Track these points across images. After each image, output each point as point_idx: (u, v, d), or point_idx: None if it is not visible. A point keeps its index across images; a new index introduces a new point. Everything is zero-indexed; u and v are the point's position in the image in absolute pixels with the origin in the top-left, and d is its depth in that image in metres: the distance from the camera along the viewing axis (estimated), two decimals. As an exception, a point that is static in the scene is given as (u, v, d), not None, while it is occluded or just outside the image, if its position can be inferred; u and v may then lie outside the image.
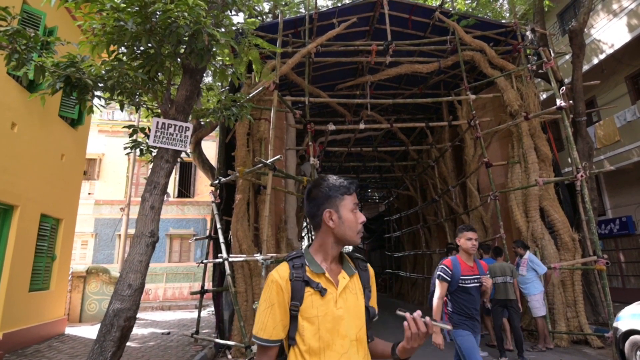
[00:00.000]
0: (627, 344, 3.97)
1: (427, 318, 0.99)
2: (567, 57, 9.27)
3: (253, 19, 3.48)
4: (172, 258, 13.89)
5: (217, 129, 7.94)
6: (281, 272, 1.10)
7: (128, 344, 5.85)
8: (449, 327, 1.05)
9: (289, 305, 1.07)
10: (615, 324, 4.24)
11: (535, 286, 5.45)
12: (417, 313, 0.99)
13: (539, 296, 5.45)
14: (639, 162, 8.85)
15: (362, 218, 1.14)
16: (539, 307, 5.43)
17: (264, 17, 9.56)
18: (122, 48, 3.26)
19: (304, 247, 1.23)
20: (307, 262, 1.12)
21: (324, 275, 1.10)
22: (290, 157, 7.70)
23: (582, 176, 5.68)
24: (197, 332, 6.06)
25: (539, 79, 8.87)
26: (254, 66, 3.94)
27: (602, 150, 9.70)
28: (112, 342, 3.12)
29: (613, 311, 4.99)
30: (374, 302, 1.20)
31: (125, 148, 4.05)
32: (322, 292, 1.07)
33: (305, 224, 12.08)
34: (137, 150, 4.01)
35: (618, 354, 4.13)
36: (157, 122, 3.38)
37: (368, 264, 1.23)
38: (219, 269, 6.22)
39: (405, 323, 0.99)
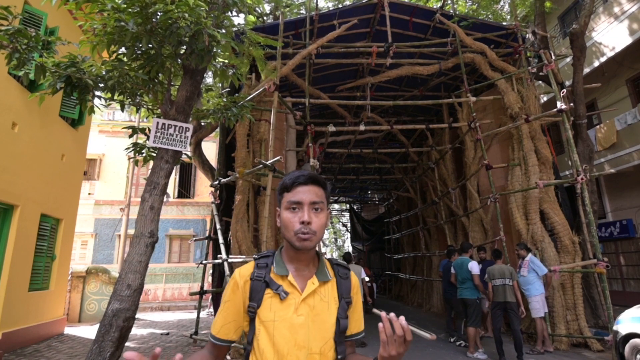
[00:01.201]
0: (627, 347, 3.96)
1: (403, 320, 0.84)
2: (568, 59, 9.28)
3: (252, 17, 3.49)
4: (172, 259, 13.88)
5: (218, 130, 7.95)
6: (243, 271, 1.04)
7: (127, 344, 5.85)
8: (430, 336, 0.87)
9: (247, 306, 1.00)
10: (615, 327, 4.23)
11: (537, 287, 5.46)
12: (393, 315, 0.86)
13: (540, 297, 5.45)
14: (640, 165, 8.84)
15: (304, 217, 0.98)
16: (538, 308, 5.44)
17: (265, 18, 9.58)
18: (123, 48, 3.27)
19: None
20: (274, 263, 1.04)
21: (287, 278, 1.00)
22: (290, 158, 7.71)
23: (582, 179, 5.67)
24: (196, 333, 6.05)
25: (540, 82, 8.88)
26: (257, 64, 3.96)
27: (602, 153, 9.69)
28: (111, 343, 3.12)
29: (613, 314, 4.98)
30: (355, 317, 1.07)
31: (128, 152, 4.05)
32: (281, 295, 0.97)
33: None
34: (139, 154, 4.01)
35: (618, 358, 4.11)
36: (157, 123, 3.38)
37: (351, 273, 1.11)
38: (218, 270, 6.22)
39: (379, 325, 0.85)
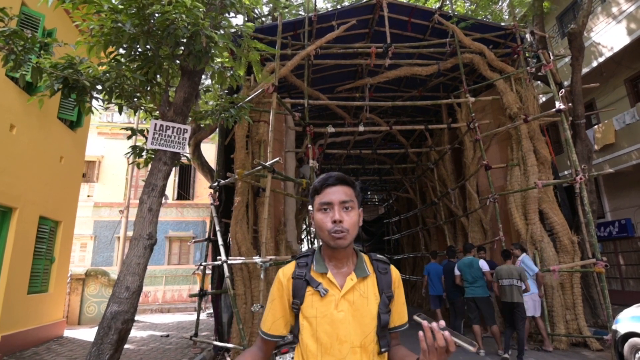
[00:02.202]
0: (626, 346, 3.95)
1: (447, 332, 0.82)
2: (567, 59, 9.30)
3: (251, 24, 3.49)
4: (172, 260, 13.86)
5: (217, 131, 7.95)
6: (285, 270, 1.10)
7: (126, 346, 5.84)
8: (472, 348, 0.83)
9: (291, 303, 1.06)
10: (614, 327, 4.23)
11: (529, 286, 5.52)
12: (435, 325, 0.84)
13: (531, 297, 5.51)
14: (638, 164, 8.85)
15: (335, 216, 1.02)
16: (528, 307, 5.51)
17: (263, 19, 9.59)
18: (120, 49, 3.27)
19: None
20: (313, 261, 1.09)
21: (326, 276, 1.05)
22: (289, 160, 7.70)
23: (581, 179, 5.68)
24: (196, 335, 6.04)
25: (538, 82, 8.89)
26: (254, 68, 3.96)
27: (601, 152, 9.70)
28: (110, 345, 3.11)
29: (612, 314, 4.98)
30: (398, 310, 1.10)
31: (128, 156, 4.04)
32: (321, 292, 1.02)
33: (304, 226, 12.06)
34: (139, 157, 4.00)
35: (617, 357, 4.11)
36: (155, 124, 3.38)
37: (391, 267, 1.13)
38: (218, 272, 6.20)
39: (420, 333, 0.84)
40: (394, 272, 1.13)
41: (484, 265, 5.55)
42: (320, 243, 1.13)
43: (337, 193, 1.05)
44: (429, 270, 7.18)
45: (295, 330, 1.05)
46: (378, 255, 1.14)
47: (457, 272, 5.82)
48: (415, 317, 0.92)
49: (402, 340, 1.15)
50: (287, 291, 1.07)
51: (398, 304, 1.10)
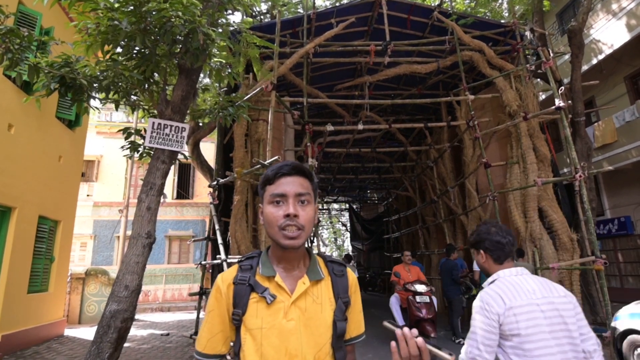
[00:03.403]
0: (624, 343, 3.96)
1: (421, 339, 0.75)
2: (566, 57, 9.27)
3: (249, 19, 3.48)
4: (172, 259, 13.87)
5: (216, 130, 7.94)
6: (225, 275, 0.95)
7: (127, 345, 5.85)
8: (449, 357, 0.75)
9: (231, 313, 0.90)
10: (613, 324, 4.23)
11: None
12: (408, 332, 0.75)
13: None
14: (638, 162, 8.84)
15: (289, 209, 0.88)
16: None
17: (262, 17, 9.56)
18: (117, 48, 3.25)
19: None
20: (259, 264, 0.94)
21: (274, 279, 0.91)
22: (288, 158, 7.69)
23: (580, 176, 5.67)
24: (196, 333, 6.05)
25: (538, 79, 8.87)
26: (253, 65, 3.94)
27: (600, 150, 9.70)
28: (109, 344, 3.11)
29: (611, 311, 4.98)
30: (355, 318, 0.97)
31: (124, 150, 4.04)
32: (267, 299, 0.87)
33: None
34: (135, 152, 4.00)
35: (616, 354, 4.12)
36: (153, 123, 3.37)
37: (347, 269, 1.00)
38: (217, 271, 6.20)
39: (392, 344, 0.75)
40: (351, 275, 1.00)
41: None
42: (270, 244, 0.99)
43: (292, 184, 0.92)
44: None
45: (235, 347, 0.89)
46: (333, 257, 1.03)
47: (477, 268, 5.80)
48: (385, 324, 0.83)
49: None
50: (226, 300, 0.90)
51: (355, 312, 0.98)
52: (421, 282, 5.56)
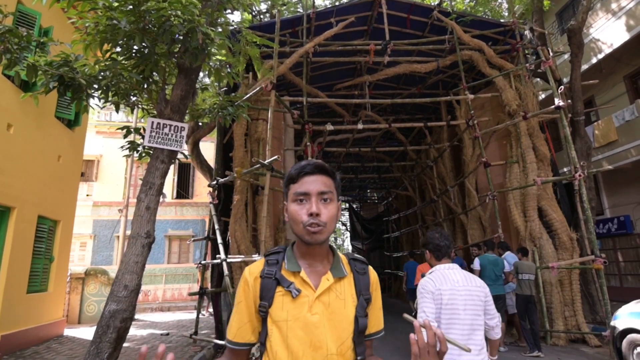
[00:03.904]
0: (624, 342, 3.96)
1: (439, 331, 0.77)
2: (566, 56, 9.27)
3: (248, 16, 3.47)
4: (171, 259, 13.86)
5: (215, 129, 7.94)
6: (252, 268, 0.99)
7: (126, 345, 5.84)
8: (466, 348, 0.80)
9: (258, 305, 0.94)
10: (612, 323, 4.23)
11: (509, 285, 5.67)
12: (428, 323, 0.78)
13: (511, 294, 5.70)
14: (637, 161, 8.85)
15: (312, 208, 0.91)
16: (512, 304, 5.66)
17: (262, 16, 9.55)
18: (116, 47, 3.25)
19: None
20: (285, 259, 0.98)
21: (299, 274, 0.94)
22: (288, 158, 7.69)
23: (580, 176, 5.67)
24: (195, 333, 6.05)
25: (538, 79, 8.87)
26: (254, 64, 3.94)
27: (600, 149, 9.70)
28: (109, 344, 3.11)
29: (610, 310, 4.99)
30: (375, 315, 1.01)
31: (123, 150, 4.03)
32: (293, 292, 0.91)
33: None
34: (135, 152, 4.00)
35: (615, 353, 4.12)
36: (152, 122, 3.36)
37: (369, 268, 1.05)
38: (217, 270, 6.20)
39: (411, 336, 0.77)
40: (372, 273, 1.04)
41: (507, 265, 5.63)
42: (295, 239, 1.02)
43: (315, 183, 0.95)
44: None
45: (262, 337, 0.94)
46: (356, 255, 1.07)
47: (477, 267, 5.66)
48: (405, 316, 0.86)
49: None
50: (253, 292, 0.95)
51: (375, 309, 1.02)
52: None
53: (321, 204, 0.94)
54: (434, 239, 2.07)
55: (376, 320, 1.02)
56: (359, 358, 0.93)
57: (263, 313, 0.93)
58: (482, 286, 1.95)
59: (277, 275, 0.95)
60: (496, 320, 1.95)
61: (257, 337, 0.96)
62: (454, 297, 1.84)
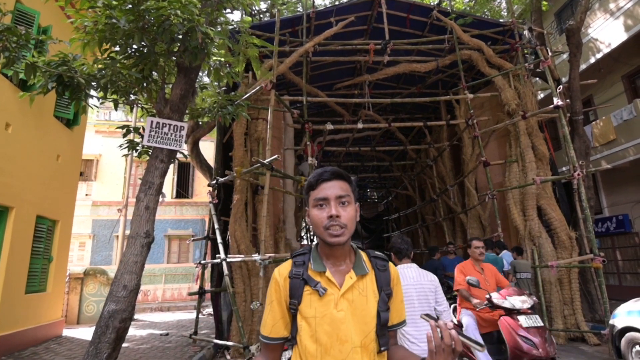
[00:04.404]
0: (623, 341, 3.97)
1: (454, 331, 0.82)
2: (565, 56, 9.29)
3: (248, 18, 3.47)
4: (171, 259, 13.84)
5: (215, 129, 7.92)
6: (281, 269, 1.07)
7: (125, 345, 5.83)
8: (480, 348, 0.82)
9: (288, 303, 1.03)
10: (611, 322, 4.24)
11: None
12: (443, 323, 0.83)
13: None
14: (636, 160, 8.87)
15: (331, 211, 1.00)
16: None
17: (261, 16, 9.53)
18: (116, 46, 3.23)
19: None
20: (311, 260, 1.06)
21: (325, 274, 1.03)
22: (288, 157, 7.69)
23: (579, 175, 5.68)
24: (195, 333, 6.03)
25: (537, 78, 8.88)
26: (252, 64, 3.93)
27: (599, 148, 9.72)
28: (108, 344, 3.10)
29: (609, 309, 5.00)
30: (397, 307, 1.08)
31: (122, 149, 4.02)
32: (320, 291, 1.00)
33: (303, 224, 12.06)
34: (134, 151, 3.99)
35: (614, 351, 4.13)
36: (152, 122, 3.35)
37: (390, 264, 1.11)
38: (217, 270, 6.20)
39: (427, 333, 0.83)
40: (393, 269, 1.10)
41: (507, 264, 5.65)
42: (317, 241, 1.10)
43: (332, 188, 1.03)
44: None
45: (293, 331, 1.02)
46: (376, 252, 1.12)
47: None
48: (422, 316, 0.91)
49: None
50: (284, 291, 1.04)
51: (397, 302, 1.08)
52: (518, 293, 3.39)
53: (340, 207, 1.02)
54: (396, 243, 2.57)
55: (398, 312, 1.09)
56: (382, 349, 1.01)
57: (293, 310, 1.02)
58: (433, 280, 2.43)
59: (304, 276, 1.03)
60: (444, 306, 2.40)
61: (289, 332, 1.04)
62: (409, 291, 2.31)
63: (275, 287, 1.05)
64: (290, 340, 1.03)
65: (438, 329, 0.82)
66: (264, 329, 1.05)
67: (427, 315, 0.89)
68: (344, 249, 1.05)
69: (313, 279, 1.02)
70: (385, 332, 1.02)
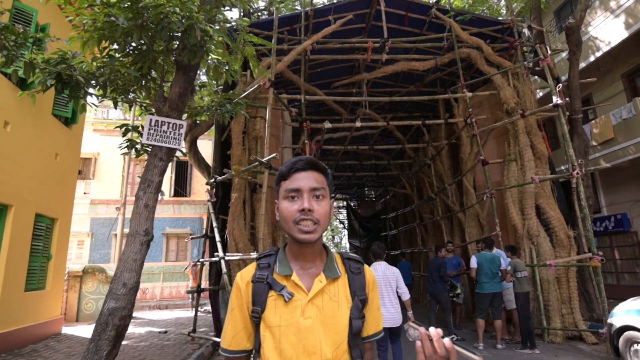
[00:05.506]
0: (621, 339, 4.00)
1: (447, 340, 0.70)
2: (564, 54, 9.29)
3: (247, 19, 3.46)
4: (169, 257, 13.85)
5: (213, 127, 7.91)
6: (244, 273, 0.96)
7: (125, 342, 5.84)
8: (477, 357, 0.71)
9: (251, 311, 0.91)
10: (609, 320, 4.27)
11: (503, 283, 5.72)
12: (434, 331, 0.71)
13: (510, 290, 5.75)
14: (635, 159, 8.89)
15: (304, 204, 0.88)
16: (512, 300, 5.71)
17: (260, 14, 9.50)
18: (114, 44, 3.22)
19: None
20: (277, 261, 0.94)
21: (291, 278, 0.91)
22: (286, 156, 7.68)
23: (578, 174, 5.70)
24: (194, 331, 6.05)
25: (536, 77, 8.89)
26: (250, 63, 3.93)
27: (597, 147, 9.74)
28: (107, 341, 3.11)
29: (607, 307, 5.03)
30: (373, 316, 0.96)
31: (121, 148, 4.01)
32: (285, 297, 0.88)
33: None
34: (133, 150, 3.98)
35: (612, 350, 4.16)
36: (151, 120, 3.35)
37: (365, 267, 1.00)
38: (215, 268, 6.20)
39: (417, 343, 0.72)
40: (368, 272, 0.99)
41: (504, 262, 5.68)
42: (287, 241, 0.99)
43: (306, 179, 0.91)
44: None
45: (256, 342, 0.91)
46: (350, 254, 1.02)
47: (474, 265, 5.66)
48: (410, 324, 0.80)
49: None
50: (246, 297, 0.92)
51: (372, 309, 0.96)
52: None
53: (313, 200, 0.90)
54: (375, 249, 3.96)
55: (374, 322, 0.97)
56: None
57: (256, 319, 0.90)
58: (395, 272, 3.83)
59: (269, 279, 0.91)
60: (402, 290, 3.76)
61: (252, 344, 0.93)
62: (379, 282, 3.44)
63: (237, 293, 0.93)
64: (254, 354, 0.92)
65: (429, 339, 0.71)
66: (223, 341, 0.93)
67: (415, 322, 0.79)
68: (315, 248, 0.93)
69: (278, 283, 0.90)
70: (359, 342, 0.91)
